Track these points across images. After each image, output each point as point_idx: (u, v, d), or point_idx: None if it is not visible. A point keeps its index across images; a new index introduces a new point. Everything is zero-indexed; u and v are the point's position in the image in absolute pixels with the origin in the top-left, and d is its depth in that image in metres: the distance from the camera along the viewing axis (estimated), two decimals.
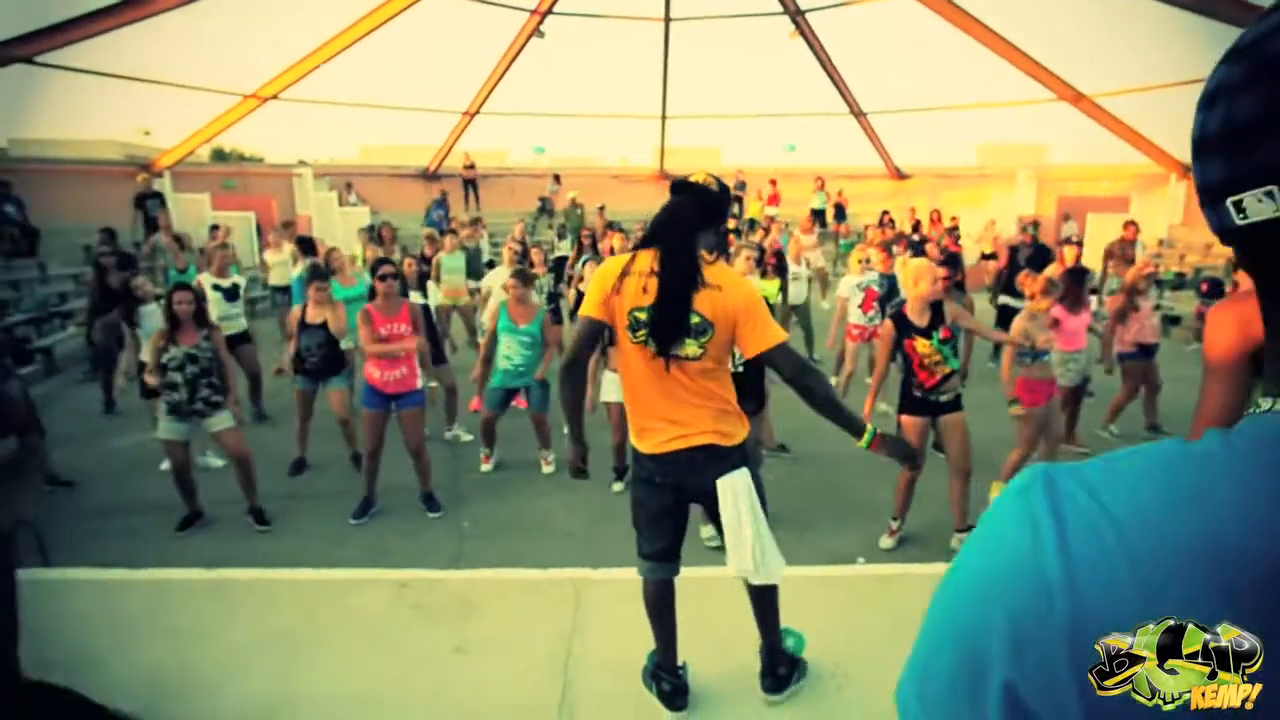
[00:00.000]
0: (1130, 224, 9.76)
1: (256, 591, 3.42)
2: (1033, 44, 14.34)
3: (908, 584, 3.43)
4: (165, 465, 4.95)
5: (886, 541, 4.32)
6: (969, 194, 18.16)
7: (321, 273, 5.52)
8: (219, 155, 24.80)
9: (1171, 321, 10.61)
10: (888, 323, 4.09)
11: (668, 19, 15.54)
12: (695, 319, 2.25)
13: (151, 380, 4.50)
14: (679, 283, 2.24)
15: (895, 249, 8.68)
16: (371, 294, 4.68)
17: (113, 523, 4.72)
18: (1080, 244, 7.34)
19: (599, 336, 2.39)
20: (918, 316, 4.03)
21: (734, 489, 2.33)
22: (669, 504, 2.45)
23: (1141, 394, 6.15)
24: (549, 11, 14.99)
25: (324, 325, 5.27)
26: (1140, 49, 16.28)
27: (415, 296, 5.92)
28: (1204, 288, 5.81)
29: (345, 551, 4.35)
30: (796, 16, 15.13)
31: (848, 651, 2.87)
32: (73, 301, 10.36)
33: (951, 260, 7.23)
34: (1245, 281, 4.56)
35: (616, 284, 2.30)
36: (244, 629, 3.11)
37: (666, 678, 2.59)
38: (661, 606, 2.57)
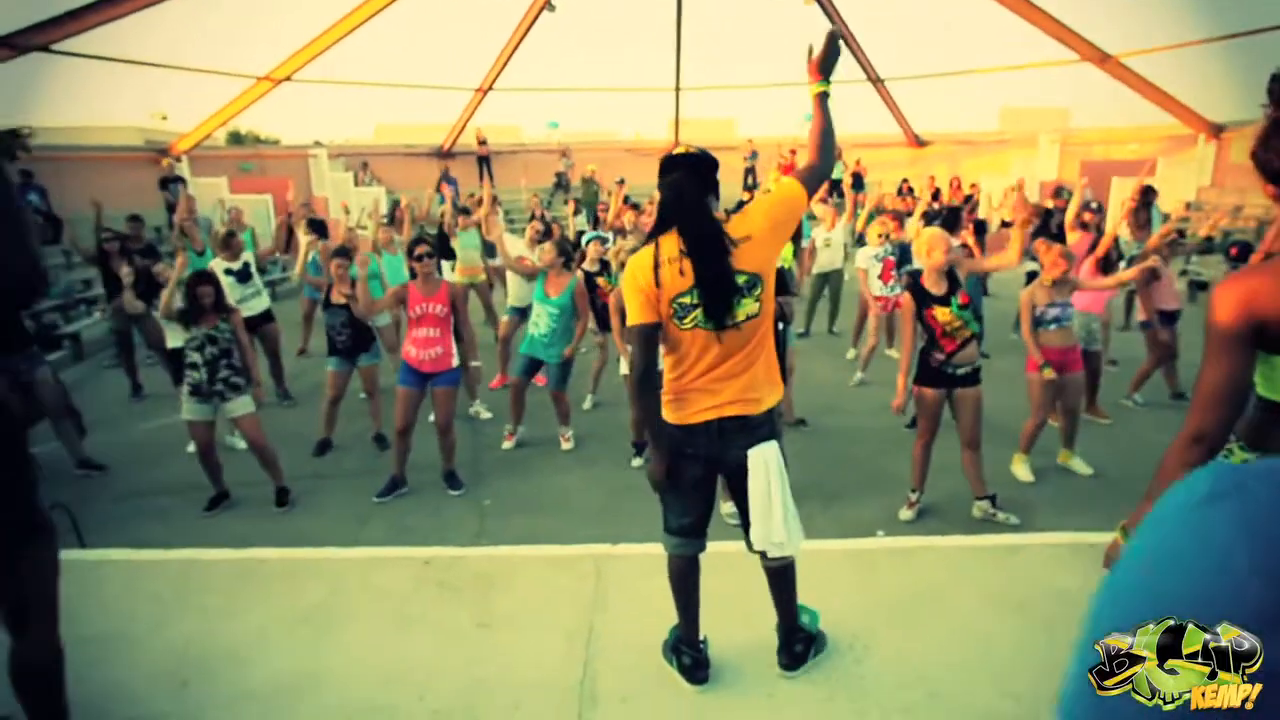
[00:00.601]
0: (1140, 187, 9.48)
1: (283, 570, 3.48)
2: (1055, 3, 13.95)
3: (927, 557, 3.43)
4: (192, 448, 5.04)
5: (906, 514, 4.31)
6: (990, 160, 17.83)
7: (345, 251, 5.57)
8: (235, 138, 24.89)
9: (1199, 287, 10.38)
10: (906, 295, 4.07)
11: None
12: (743, 278, 2.22)
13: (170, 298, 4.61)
14: (715, 257, 2.21)
15: (908, 220, 8.55)
16: (412, 274, 4.75)
17: (143, 504, 4.83)
18: (1101, 210, 7.20)
19: (657, 339, 2.32)
20: (934, 285, 4.02)
21: (765, 460, 2.32)
22: (699, 476, 2.43)
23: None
24: None
25: (347, 305, 5.30)
26: (1167, 5, 15.77)
27: None
28: (1233, 252, 5.65)
29: (369, 530, 4.42)
30: None
31: (866, 624, 2.88)
32: (97, 287, 10.51)
33: (977, 228, 7.15)
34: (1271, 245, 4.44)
35: (653, 279, 2.24)
36: (271, 606, 3.18)
37: (687, 651, 2.62)
38: (686, 582, 2.58)
